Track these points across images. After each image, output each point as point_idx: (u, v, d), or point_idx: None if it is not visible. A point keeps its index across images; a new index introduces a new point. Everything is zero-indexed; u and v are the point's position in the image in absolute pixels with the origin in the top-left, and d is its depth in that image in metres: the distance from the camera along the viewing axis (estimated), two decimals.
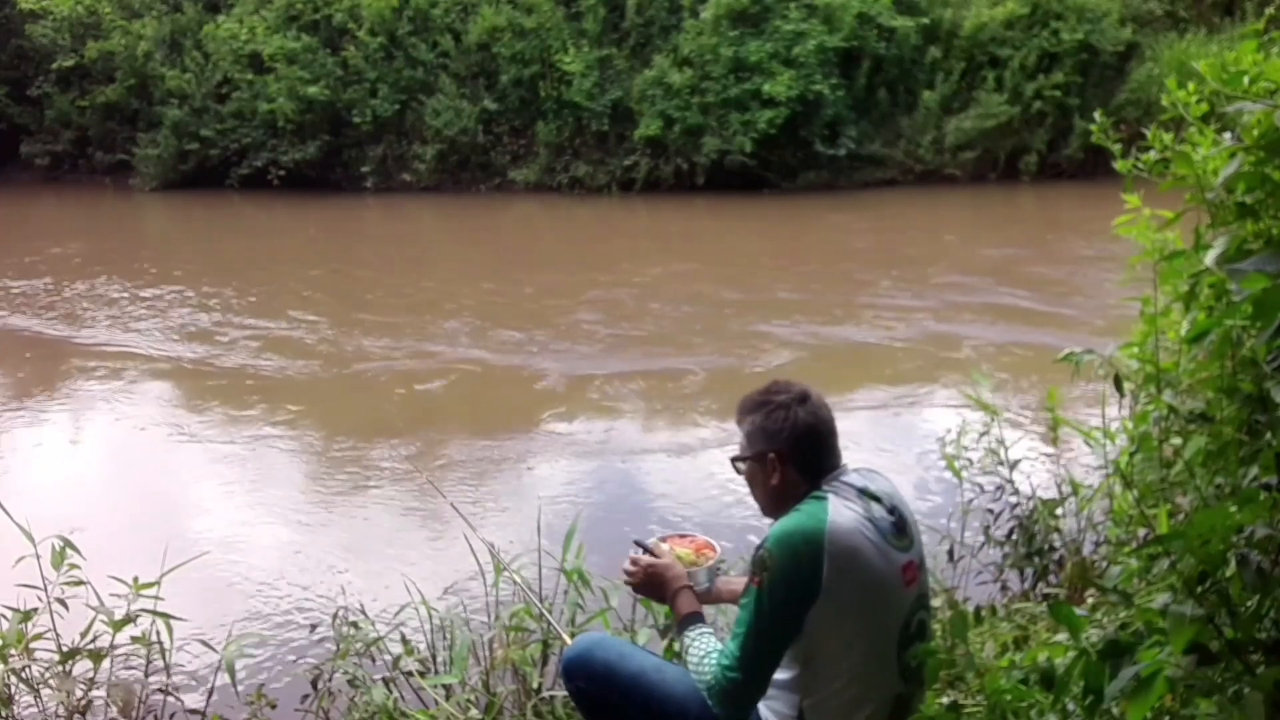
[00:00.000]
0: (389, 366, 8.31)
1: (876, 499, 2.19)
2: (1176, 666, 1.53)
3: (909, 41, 16.42)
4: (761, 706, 2.25)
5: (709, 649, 2.21)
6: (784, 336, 8.89)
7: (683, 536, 2.56)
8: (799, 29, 15.91)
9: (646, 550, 2.47)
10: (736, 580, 2.54)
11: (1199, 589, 1.60)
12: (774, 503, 2.27)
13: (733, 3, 16.03)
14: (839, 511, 2.12)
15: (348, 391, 7.82)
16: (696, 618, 2.31)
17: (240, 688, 2.97)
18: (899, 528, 2.19)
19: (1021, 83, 16.03)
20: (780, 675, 2.20)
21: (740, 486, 2.45)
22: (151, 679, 3.02)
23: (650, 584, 2.43)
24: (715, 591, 2.52)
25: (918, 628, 2.21)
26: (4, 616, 2.92)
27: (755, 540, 2.24)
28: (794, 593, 2.09)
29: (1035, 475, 3.86)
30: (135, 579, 2.93)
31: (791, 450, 2.24)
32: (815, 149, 16.08)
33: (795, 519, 2.14)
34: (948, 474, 3.78)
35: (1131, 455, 2.45)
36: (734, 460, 2.37)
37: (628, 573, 2.46)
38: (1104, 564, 3.39)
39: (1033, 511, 3.63)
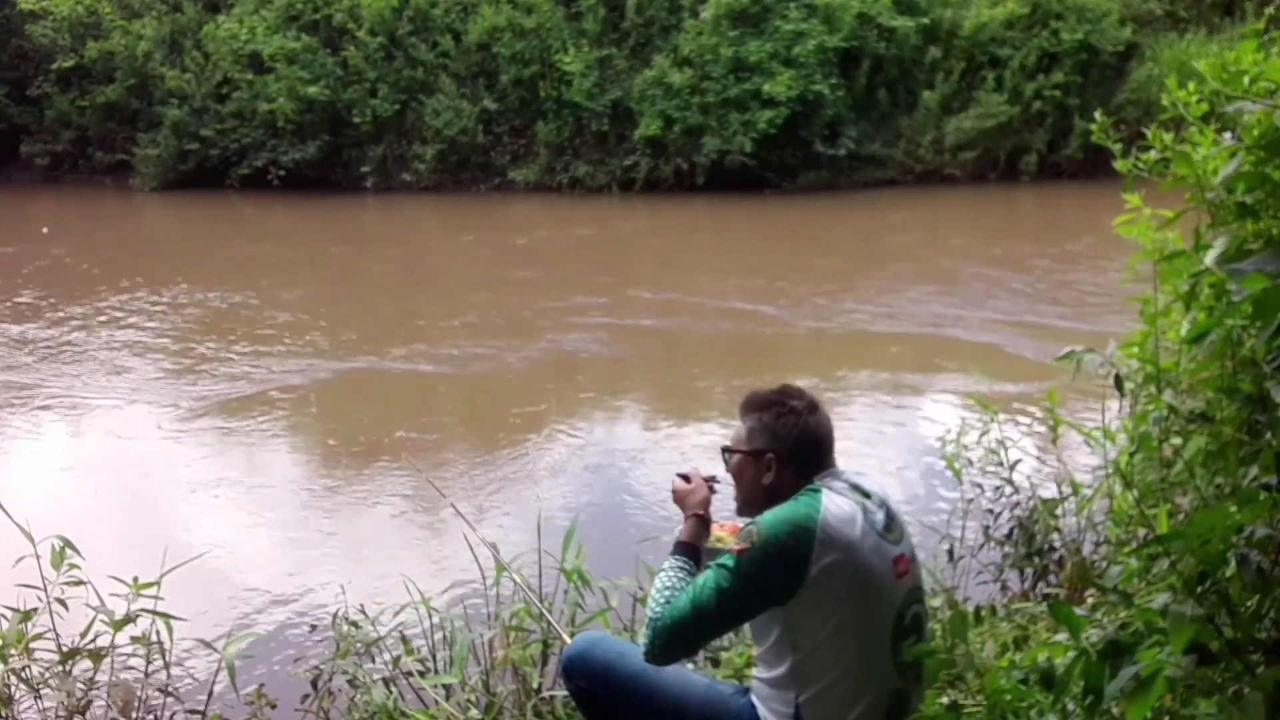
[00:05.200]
0: (389, 367, 8.32)
1: (867, 495, 2.22)
2: (1176, 666, 1.53)
3: (909, 41, 16.43)
4: (760, 705, 2.25)
5: (677, 585, 2.22)
6: (785, 335, 8.90)
7: (721, 525, 2.57)
8: (799, 29, 15.92)
9: (685, 480, 2.49)
10: None
11: (1199, 589, 1.60)
12: (762, 499, 2.28)
13: (733, 3, 16.03)
14: (833, 502, 2.16)
15: (347, 392, 7.83)
16: (689, 549, 2.33)
17: (240, 688, 2.96)
18: (889, 523, 2.22)
19: (1021, 83, 16.04)
20: (774, 671, 2.21)
21: None
22: (151, 679, 3.01)
23: (681, 492, 2.46)
24: None
25: (912, 621, 2.22)
26: (4, 616, 2.91)
27: None
28: (769, 576, 2.11)
29: (1035, 475, 3.86)
30: (135, 579, 2.93)
31: (792, 454, 2.27)
32: (815, 149, 16.10)
33: (790, 507, 2.16)
34: (948, 474, 3.79)
35: (1131, 455, 2.44)
36: (726, 450, 2.38)
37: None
38: (1104, 564, 3.39)
39: (1033, 511, 3.63)
